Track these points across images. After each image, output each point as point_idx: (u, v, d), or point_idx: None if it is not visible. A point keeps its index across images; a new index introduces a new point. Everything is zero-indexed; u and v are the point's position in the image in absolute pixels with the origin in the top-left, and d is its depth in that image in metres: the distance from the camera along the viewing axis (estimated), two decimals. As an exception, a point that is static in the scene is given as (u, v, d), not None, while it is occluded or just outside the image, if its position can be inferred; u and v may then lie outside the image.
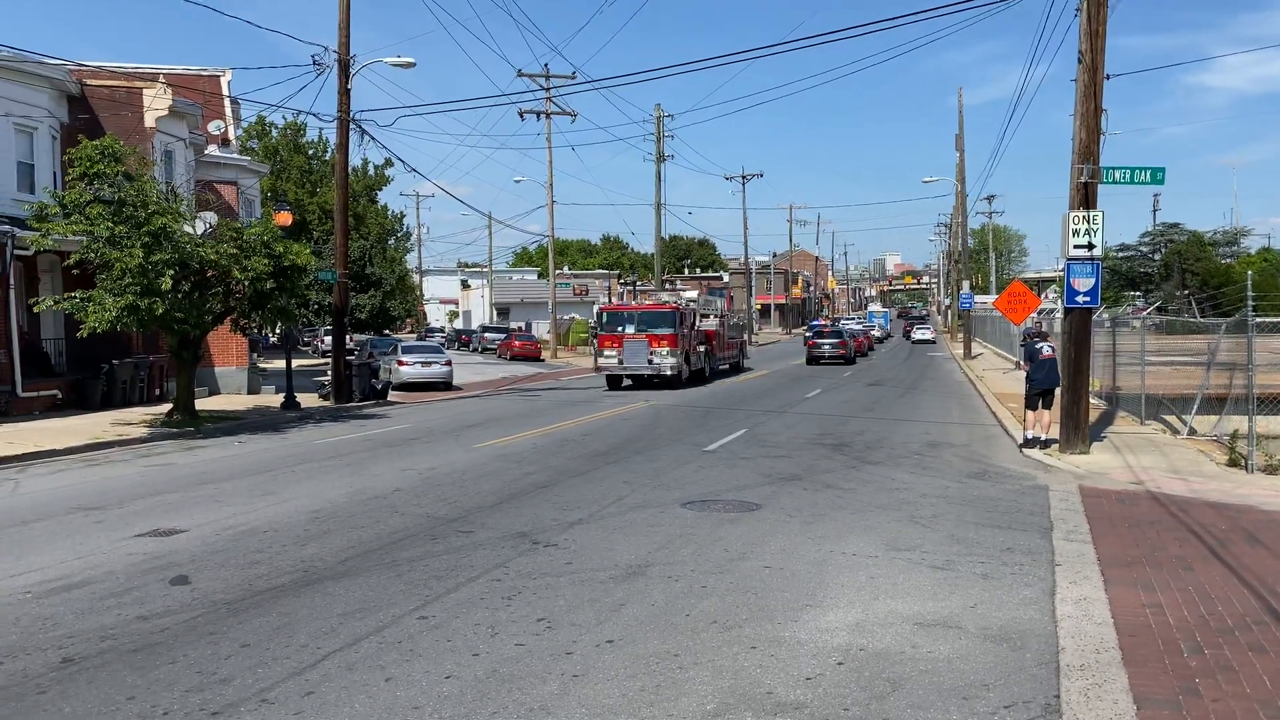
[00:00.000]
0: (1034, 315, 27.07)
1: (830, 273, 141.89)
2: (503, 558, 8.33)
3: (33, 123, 23.24)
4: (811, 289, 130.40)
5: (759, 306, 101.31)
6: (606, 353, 30.77)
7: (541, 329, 65.42)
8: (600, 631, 6.34)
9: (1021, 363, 16.81)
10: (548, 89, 43.86)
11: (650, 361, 29.67)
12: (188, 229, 19.27)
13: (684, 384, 30.39)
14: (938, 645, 6.04)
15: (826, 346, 44.54)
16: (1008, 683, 5.42)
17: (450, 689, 5.36)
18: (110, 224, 17.78)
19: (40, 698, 5.30)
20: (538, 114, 44.96)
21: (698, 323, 33.39)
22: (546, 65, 57.95)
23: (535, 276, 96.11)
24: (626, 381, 31.20)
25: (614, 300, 62.80)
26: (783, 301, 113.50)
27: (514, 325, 68.84)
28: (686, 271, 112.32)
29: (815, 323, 73.81)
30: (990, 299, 52.35)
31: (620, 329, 30.63)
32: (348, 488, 12.12)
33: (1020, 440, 15.83)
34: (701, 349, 33.25)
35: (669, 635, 6.26)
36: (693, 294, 36.64)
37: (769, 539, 9.02)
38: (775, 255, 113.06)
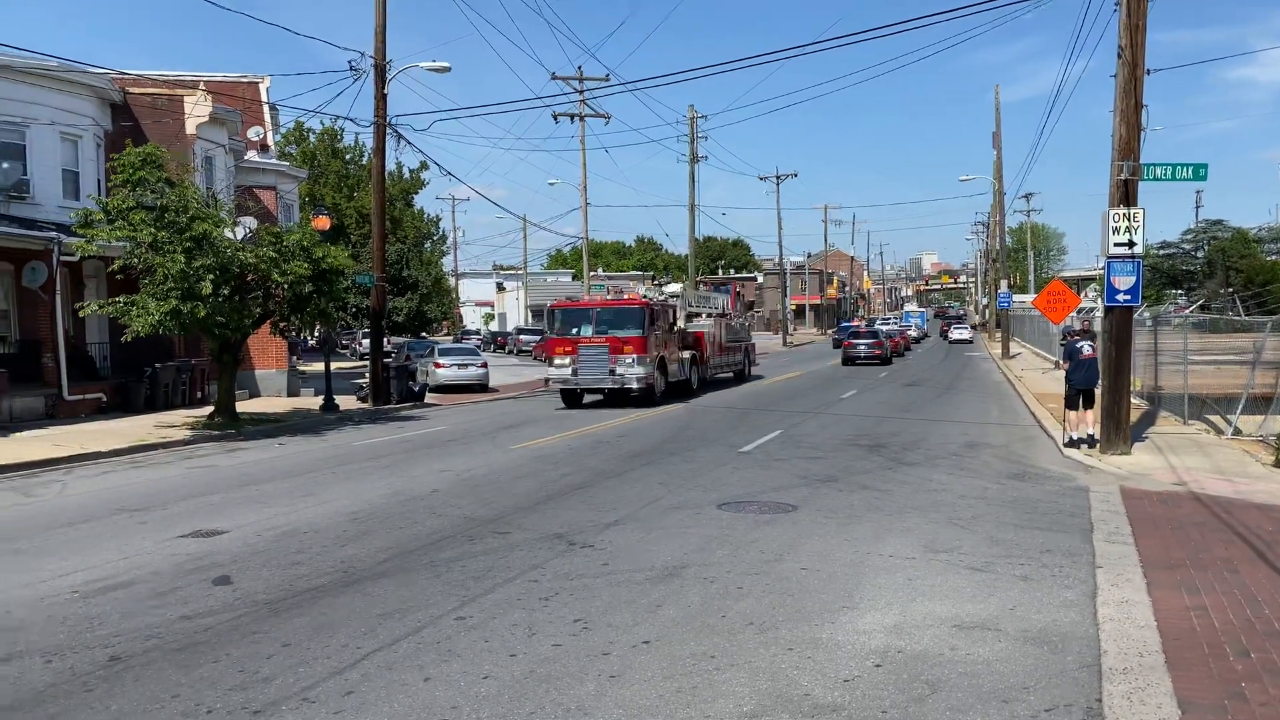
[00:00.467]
0: (1074, 314, 26.76)
1: (866, 272, 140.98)
2: (540, 559, 8.37)
3: (78, 131, 23.74)
4: (847, 289, 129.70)
5: (794, 307, 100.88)
6: (557, 361, 24.27)
7: (576, 331, 65.36)
8: (637, 632, 6.35)
9: (1061, 362, 16.59)
10: (581, 91, 43.94)
11: (613, 372, 23.64)
12: (228, 234, 19.57)
13: (658, 400, 24.44)
14: (977, 648, 5.98)
15: (862, 347, 44.19)
16: (1048, 686, 5.36)
17: (488, 689, 5.40)
18: (153, 230, 18.09)
19: (88, 695, 5.42)
20: (572, 117, 45.05)
21: (680, 323, 27.46)
22: (580, 68, 58.13)
23: (570, 279, 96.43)
24: (596, 397, 25.57)
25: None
26: (818, 302, 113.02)
27: (549, 327, 68.90)
28: (720, 272, 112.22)
29: (846, 324, 72.91)
30: (1029, 298, 51.79)
31: (575, 331, 24.37)
32: (386, 489, 12.24)
33: (1063, 441, 15.61)
34: (685, 355, 27.31)
35: (705, 636, 6.26)
36: (676, 288, 30.09)
37: (805, 540, 8.98)
38: (810, 255, 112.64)
